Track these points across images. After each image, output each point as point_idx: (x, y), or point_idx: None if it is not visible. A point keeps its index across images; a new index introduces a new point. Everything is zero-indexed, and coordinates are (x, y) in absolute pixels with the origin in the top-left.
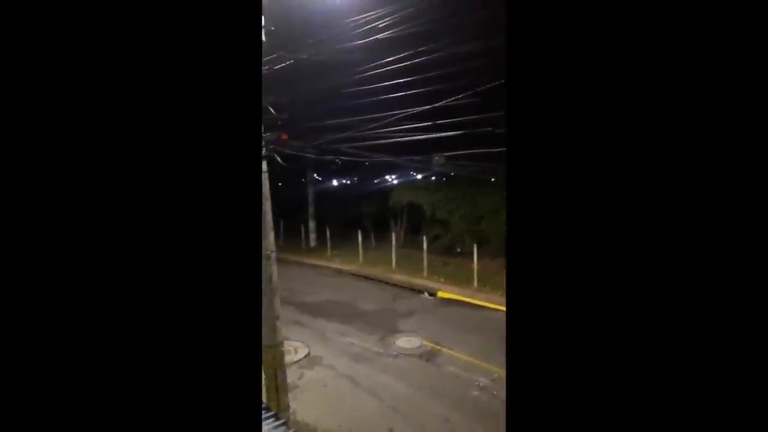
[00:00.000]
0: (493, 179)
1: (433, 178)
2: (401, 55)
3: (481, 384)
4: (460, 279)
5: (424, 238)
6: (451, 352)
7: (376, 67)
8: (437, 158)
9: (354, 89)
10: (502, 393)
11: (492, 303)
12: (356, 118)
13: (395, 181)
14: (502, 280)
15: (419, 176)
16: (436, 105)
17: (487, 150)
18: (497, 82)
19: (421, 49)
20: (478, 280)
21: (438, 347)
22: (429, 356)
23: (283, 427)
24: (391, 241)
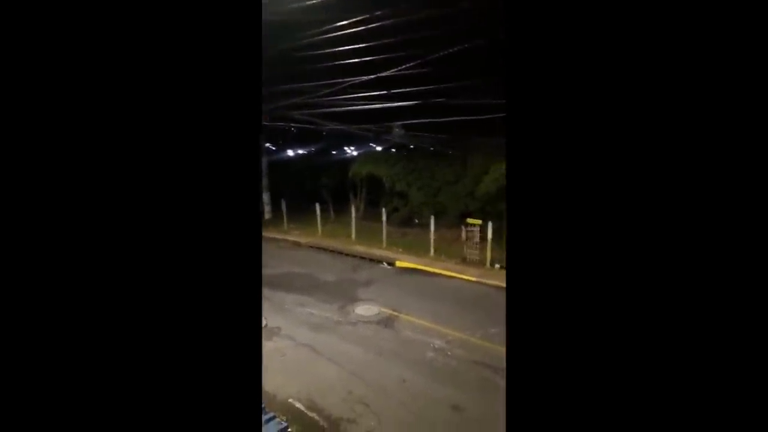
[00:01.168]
0: (450, 152)
1: (393, 150)
2: (355, 18)
3: (436, 346)
4: (418, 249)
5: (384, 209)
6: (409, 318)
7: (330, 31)
8: (396, 130)
9: (307, 53)
10: (456, 353)
11: (447, 270)
12: (308, 84)
13: (355, 153)
14: (458, 249)
15: (379, 148)
16: (383, 74)
17: (442, 120)
18: (450, 50)
19: (377, 13)
20: (435, 250)
21: (396, 313)
22: (387, 322)
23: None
24: (350, 214)
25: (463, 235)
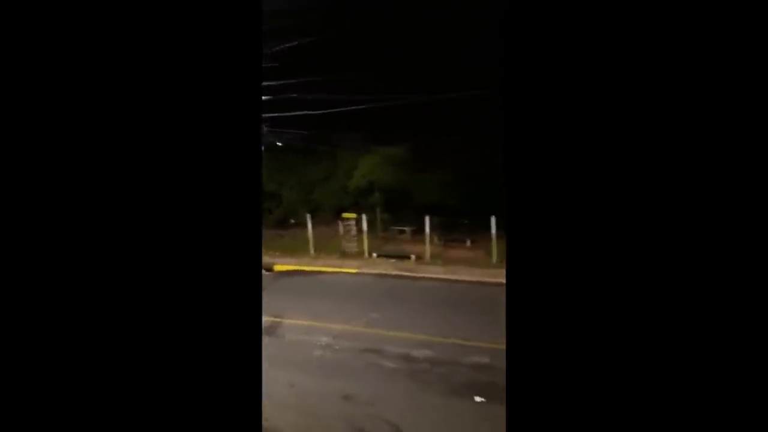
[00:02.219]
0: (319, 148)
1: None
2: None
3: (323, 343)
4: (296, 249)
5: None
6: (292, 321)
7: None
8: None
9: None
10: (343, 345)
11: (328, 267)
12: None
13: None
14: (336, 244)
15: None
16: None
17: (293, 114)
18: (291, 44)
19: None
20: (314, 248)
21: (278, 319)
22: (270, 330)
23: None
24: None
25: (341, 229)
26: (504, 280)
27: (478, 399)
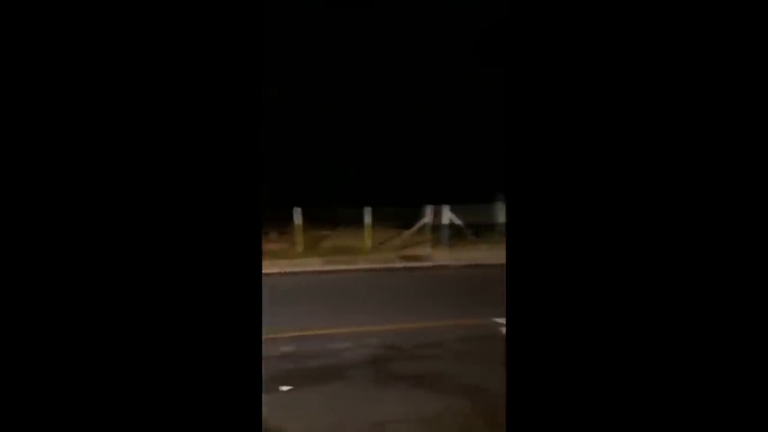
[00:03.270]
0: None
1: None
2: None
3: None
4: None
5: None
6: None
7: None
8: None
9: None
10: None
11: None
12: None
13: None
14: None
15: None
16: None
17: None
18: None
19: None
20: None
21: None
22: None
23: None
24: None
25: None
26: (310, 268)
27: (284, 388)
